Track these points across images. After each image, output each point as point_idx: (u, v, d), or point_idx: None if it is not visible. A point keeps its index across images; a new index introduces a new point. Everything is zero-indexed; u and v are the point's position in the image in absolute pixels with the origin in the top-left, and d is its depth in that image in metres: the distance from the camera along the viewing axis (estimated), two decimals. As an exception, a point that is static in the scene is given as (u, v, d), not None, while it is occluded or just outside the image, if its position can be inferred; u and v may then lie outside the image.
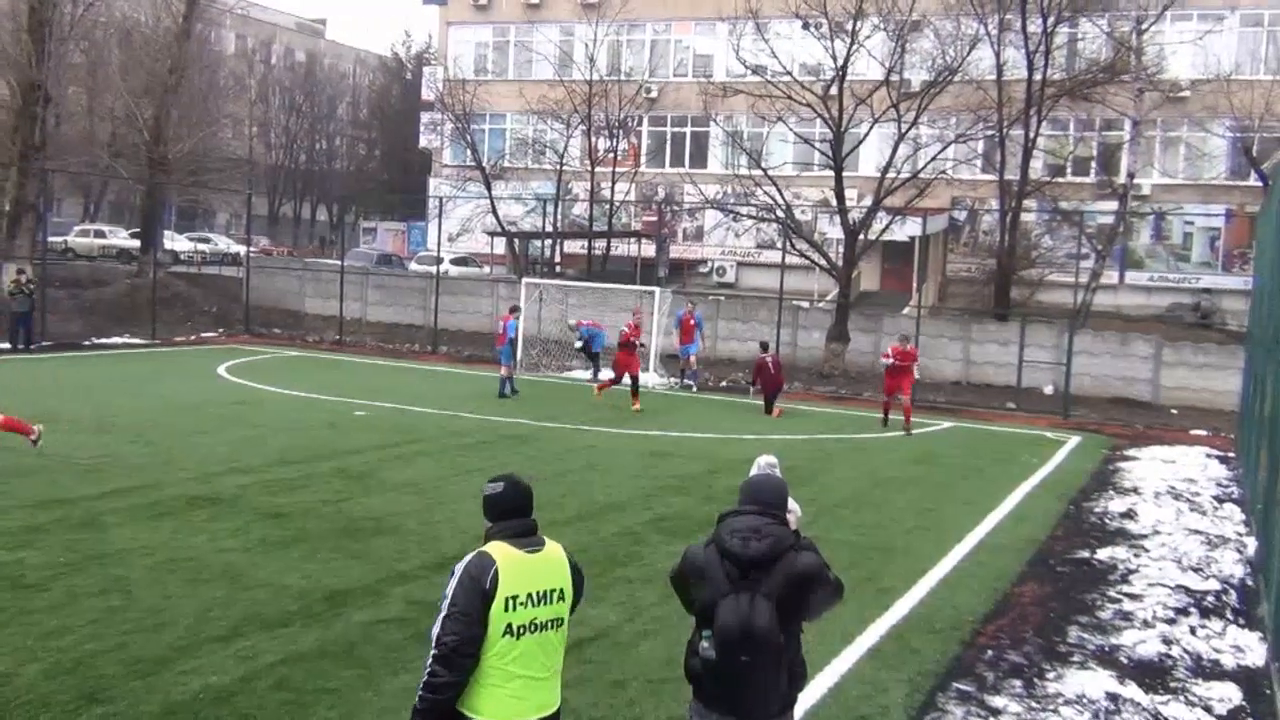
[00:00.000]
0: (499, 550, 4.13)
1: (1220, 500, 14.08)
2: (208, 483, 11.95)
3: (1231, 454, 18.41)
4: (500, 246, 40.79)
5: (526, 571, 4.12)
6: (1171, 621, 8.82)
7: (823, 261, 28.68)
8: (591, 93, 38.00)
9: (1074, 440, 19.69)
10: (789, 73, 28.54)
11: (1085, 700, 7.11)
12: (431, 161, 50.04)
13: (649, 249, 40.66)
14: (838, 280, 28.73)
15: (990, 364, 27.18)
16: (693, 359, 24.70)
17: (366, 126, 72.84)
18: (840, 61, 27.37)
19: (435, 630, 4.05)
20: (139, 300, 30.78)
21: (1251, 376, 16.25)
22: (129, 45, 38.84)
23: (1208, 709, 7.16)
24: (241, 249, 39.12)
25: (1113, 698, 7.16)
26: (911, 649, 7.96)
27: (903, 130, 27.52)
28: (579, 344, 25.17)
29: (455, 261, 41.17)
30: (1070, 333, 24.41)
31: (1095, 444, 19.42)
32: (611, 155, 39.17)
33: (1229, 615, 9.17)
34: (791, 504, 5.05)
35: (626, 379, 20.36)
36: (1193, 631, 8.61)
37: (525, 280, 29.79)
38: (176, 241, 46.08)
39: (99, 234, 44.14)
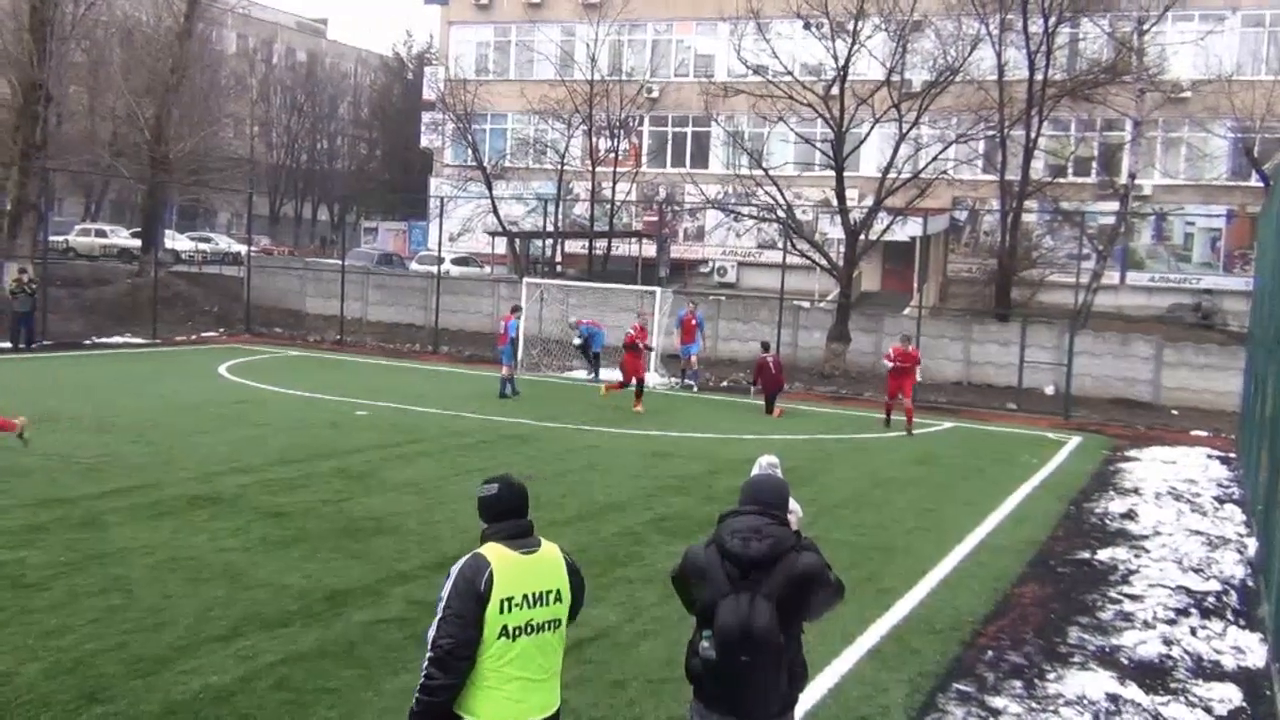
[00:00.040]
0: (494, 552, 4.11)
1: (1221, 501, 14.07)
2: (208, 482, 11.96)
3: (1232, 455, 18.41)
4: (501, 246, 40.78)
5: (522, 573, 4.10)
6: (1172, 622, 8.82)
7: (823, 262, 28.69)
8: (593, 93, 37.98)
9: (1075, 441, 19.68)
10: (790, 73, 28.56)
11: (1086, 701, 7.11)
12: (432, 161, 50.03)
13: (650, 249, 40.62)
14: (838, 280, 28.73)
15: (991, 364, 27.18)
16: (694, 359, 24.69)
17: (368, 126, 72.83)
18: (841, 61, 27.40)
19: (431, 633, 4.04)
20: (140, 300, 30.77)
21: (1252, 377, 16.24)
22: (130, 44, 38.93)
23: (1208, 710, 7.16)
24: (242, 248, 39.11)
25: (1113, 698, 7.16)
26: (912, 649, 7.96)
27: (904, 130, 27.54)
28: (578, 341, 25.21)
29: (456, 261, 41.18)
30: (1071, 333, 24.40)
31: (1096, 445, 19.41)
32: (612, 155, 39.13)
33: (1229, 616, 9.17)
34: (792, 504, 5.05)
35: (633, 382, 20.34)
36: (1193, 632, 8.60)
37: (526, 280, 29.78)
38: (177, 241, 46.01)
39: (100, 233, 44.10)
